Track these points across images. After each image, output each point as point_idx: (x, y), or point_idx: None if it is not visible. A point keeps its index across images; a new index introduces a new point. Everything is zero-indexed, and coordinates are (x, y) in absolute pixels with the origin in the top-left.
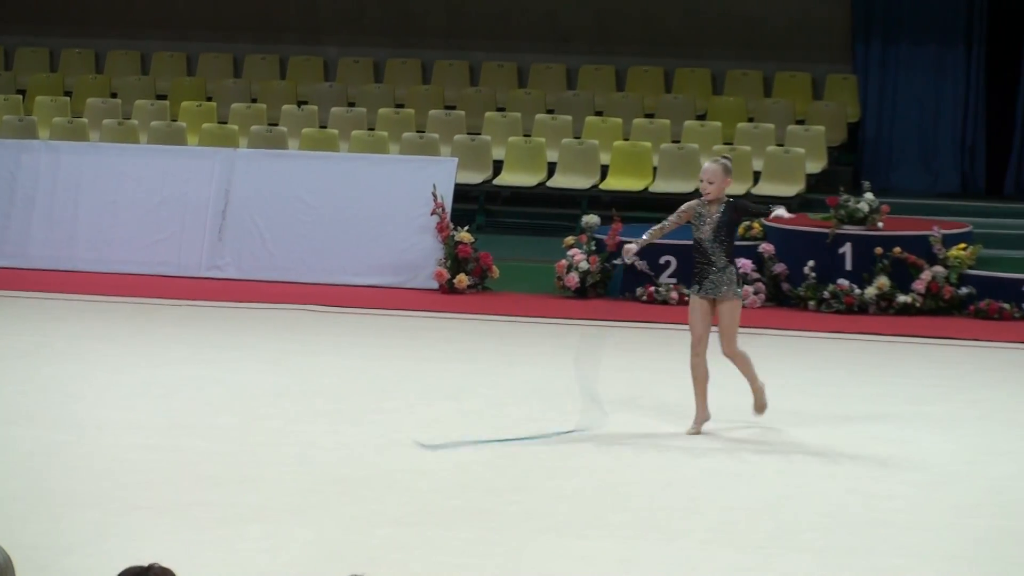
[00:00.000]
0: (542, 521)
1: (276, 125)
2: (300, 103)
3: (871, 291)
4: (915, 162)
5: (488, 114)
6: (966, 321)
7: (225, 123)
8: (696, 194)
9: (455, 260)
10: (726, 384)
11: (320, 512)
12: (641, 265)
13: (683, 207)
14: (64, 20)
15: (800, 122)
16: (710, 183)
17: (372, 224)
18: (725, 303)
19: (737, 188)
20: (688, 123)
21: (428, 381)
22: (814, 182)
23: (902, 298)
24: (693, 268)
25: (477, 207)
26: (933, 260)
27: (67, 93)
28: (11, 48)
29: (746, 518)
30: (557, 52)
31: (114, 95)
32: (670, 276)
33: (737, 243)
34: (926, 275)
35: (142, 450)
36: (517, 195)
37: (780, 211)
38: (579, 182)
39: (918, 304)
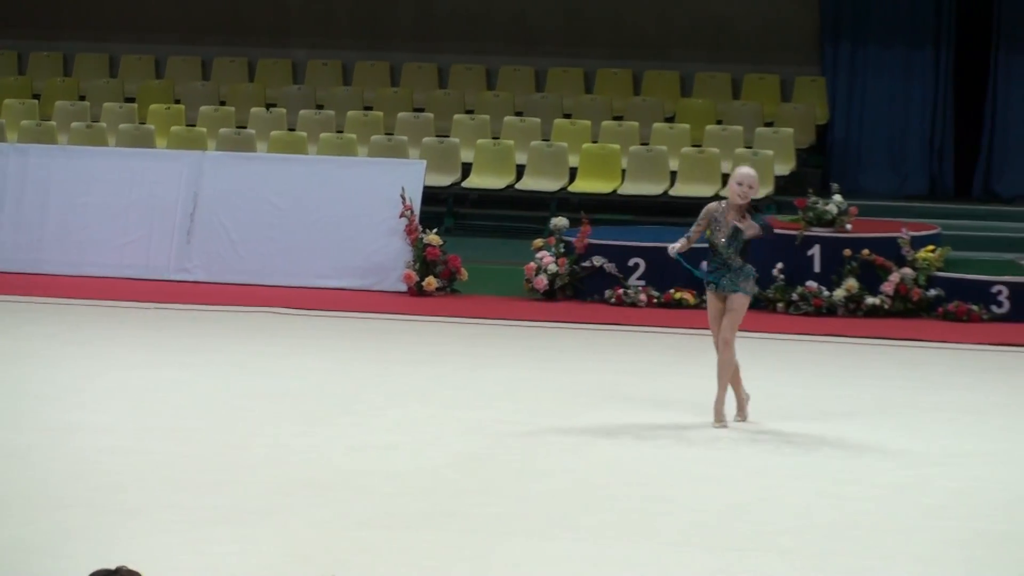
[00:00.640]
0: (511, 523)
1: (244, 128)
2: (268, 105)
3: (840, 293)
4: (883, 164)
5: (457, 116)
6: (934, 323)
7: (193, 126)
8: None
9: (424, 262)
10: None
11: (289, 515)
12: (610, 267)
13: (702, 214)
14: (32, 23)
15: (769, 124)
16: (751, 187)
17: (341, 227)
18: (736, 294)
19: (705, 190)
20: (657, 125)
21: (397, 383)
22: (783, 184)
23: (870, 300)
24: (708, 268)
25: (446, 209)
26: (902, 262)
27: (35, 96)
28: None
29: (716, 520)
30: (526, 54)
31: (82, 98)
32: (639, 278)
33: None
34: (894, 277)
35: (111, 453)
36: (486, 197)
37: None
38: (548, 184)
39: (887, 306)
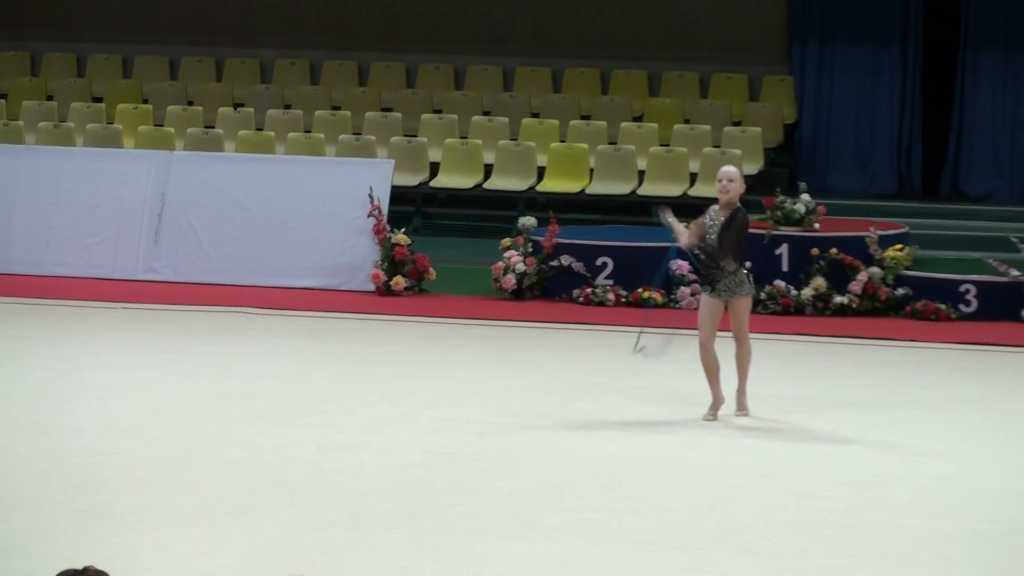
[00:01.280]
0: (480, 522)
1: (212, 127)
2: (236, 105)
3: (808, 292)
4: (851, 163)
5: (424, 116)
6: (902, 322)
7: (161, 125)
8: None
9: (392, 262)
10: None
11: (258, 514)
12: (578, 267)
13: (698, 220)
14: None
15: (736, 123)
16: (730, 181)
17: (309, 226)
18: (739, 300)
19: (673, 189)
20: (624, 125)
21: (365, 383)
22: (751, 183)
23: (838, 299)
24: (702, 271)
25: (414, 209)
26: (869, 261)
27: (2, 96)
28: None
29: (684, 519)
30: (493, 54)
31: (50, 98)
32: (607, 277)
33: (673, 244)
34: (862, 276)
35: (79, 453)
36: (454, 197)
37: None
38: (516, 184)
39: (854, 305)
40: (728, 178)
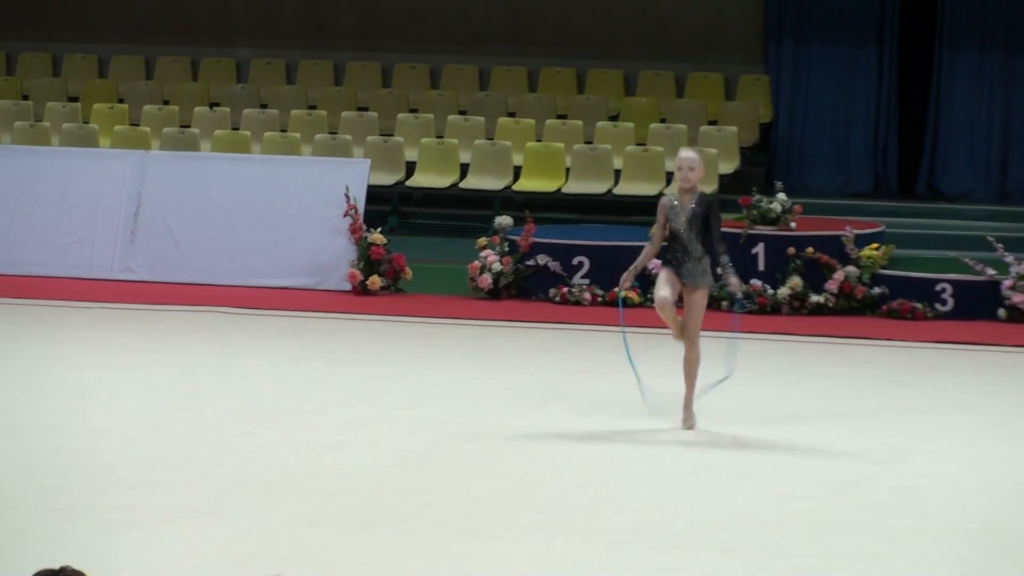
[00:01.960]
0: (456, 523)
1: (188, 127)
2: (212, 105)
3: (784, 291)
4: (828, 162)
5: (400, 115)
6: (879, 321)
7: (137, 125)
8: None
9: (368, 261)
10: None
11: (235, 514)
12: (554, 266)
13: (658, 210)
14: None
15: (713, 123)
16: (691, 169)
17: (285, 226)
18: (697, 292)
19: (649, 189)
20: (600, 124)
21: (342, 383)
22: (727, 182)
23: (815, 298)
24: (667, 254)
25: (390, 208)
26: (846, 260)
27: None
28: None
29: (660, 518)
30: (469, 53)
31: (25, 97)
32: (583, 277)
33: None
34: (839, 275)
35: (56, 453)
36: (430, 196)
37: (733, 280)
38: (492, 183)
39: (831, 304)
40: (689, 166)
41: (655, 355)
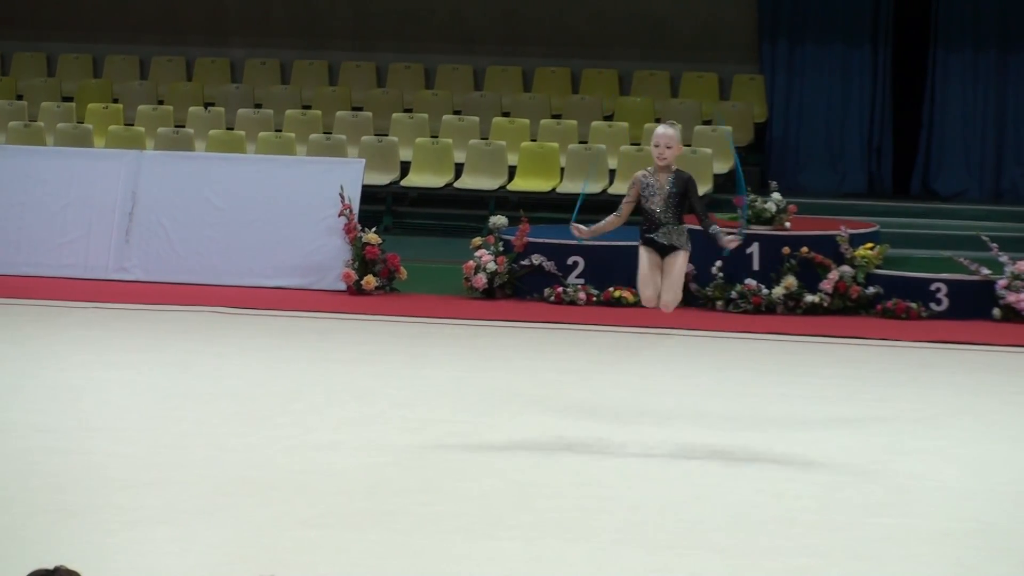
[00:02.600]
0: (451, 522)
1: (183, 127)
2: (207, 105)
3: (779, 291)
4: (822, 162)
5: (395, 115)
6: (873, 320)
7: (131, 125)
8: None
9: (363, 261)
10: (638, 385)
11: (228, 514)
12: (549, 266)
13: (631, 181)
14: None
15: (707, 122)
16: (668, 147)
17: (279, 226)
18: (676, 255)
19: None
20: (595, 124)
21: (336, 382)
22: (721, 182)
23: (810, 298)
24: (643, 228)
25: (384, 208)
26: (840, 260)
27: None
28: None
29: (654, 518)
30: (464, 53)
31: (20, 97)
32: (578, 277)
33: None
34: (833, 275)
35: (49, 452)
36: (424, 196)
37: (726, 239)
38: (486, 183)
39: (826, 304)
40: (666, 144)
41: (648, 355)
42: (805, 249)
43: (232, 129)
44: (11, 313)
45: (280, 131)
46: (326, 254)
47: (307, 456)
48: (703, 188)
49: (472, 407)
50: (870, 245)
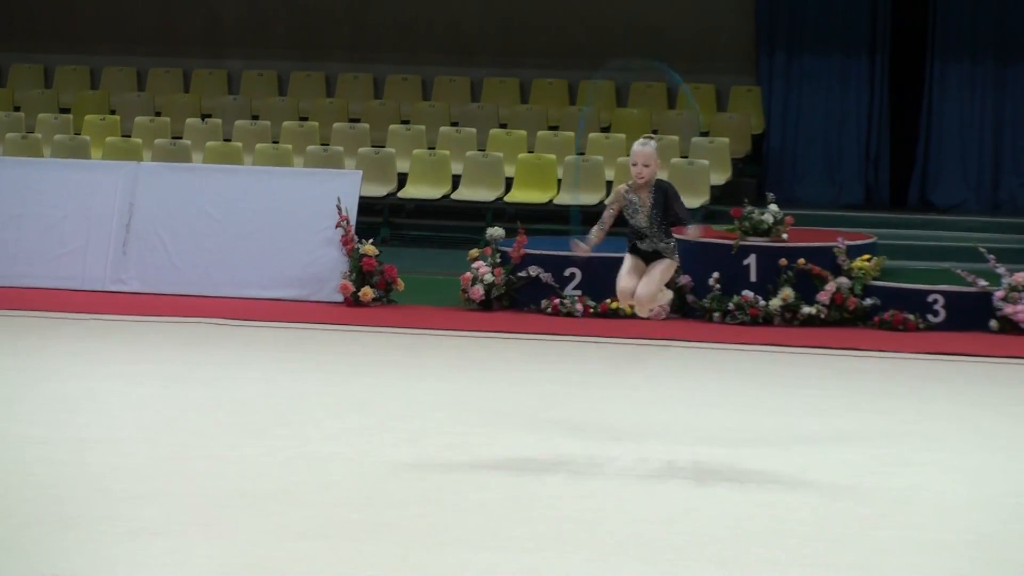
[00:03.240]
0: (448, 534)
1: (180, 138)
2: (204, 116)
3: (776, 302)
4: (819, 173)
5: (392, 127)
6: (871, 332)
7: (129, 136)
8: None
9: (360, 273)
10: (635, 396)
11: (225, 526)
12: (546, 277)
13: (611, 198)
14: None
15: (704, 134)
16: (645, 166)
17: (277, 237)
18: (661, 260)
19: None
20: (592, 135)
21: (333, 394)
22: (718, 194)
23: (807, 309)
24: (628, 240)
25: (382, 220)
26: (838, 271)
27: None
28: None
29: (651, 530)
30: (461, 65)
31: (17, 108)
32: (575, 288)
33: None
34: (831, 286)
35: (46, 464)
36: (422, 208)
37: (691, 228)
38: (483, 194)
39: (823, 315)
40: (643, 162)
41: (645, 367)
42: (802, 261)
43: (229, 141)
44: (8, 324)
45: (277, 143)
46: (323, 266)
47: (304, 468)
48: (699, 200)
49: (469, 419)
50: (867, 257)
